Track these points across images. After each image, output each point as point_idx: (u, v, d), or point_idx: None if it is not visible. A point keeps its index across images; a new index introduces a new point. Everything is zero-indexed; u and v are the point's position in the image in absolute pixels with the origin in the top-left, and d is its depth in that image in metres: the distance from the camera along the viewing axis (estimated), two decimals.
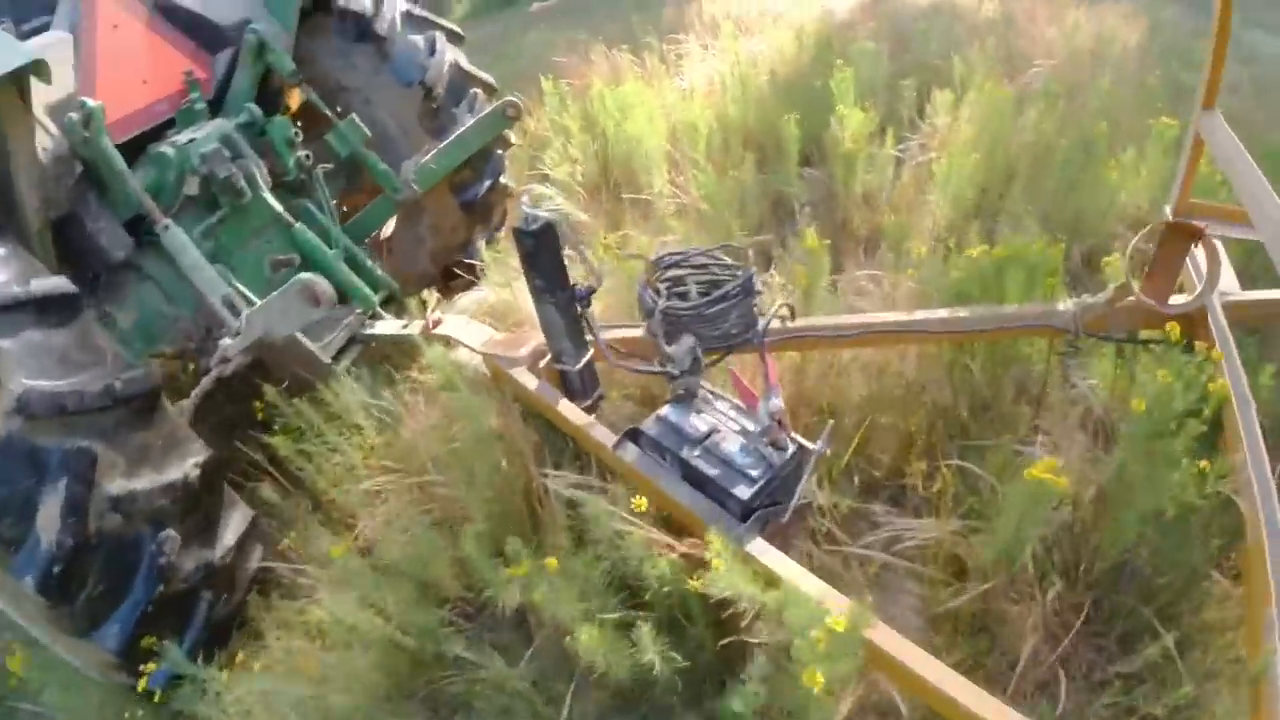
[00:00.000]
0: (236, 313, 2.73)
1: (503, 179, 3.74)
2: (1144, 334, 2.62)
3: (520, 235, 2.03)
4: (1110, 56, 4.47)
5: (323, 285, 2.51)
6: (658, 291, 2.34)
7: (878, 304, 3.43)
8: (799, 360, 2.83)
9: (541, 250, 2.05)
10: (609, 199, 4.32)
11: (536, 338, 2.59)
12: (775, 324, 2.51)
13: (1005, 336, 2.58)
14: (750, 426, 1.99)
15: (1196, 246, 2.36)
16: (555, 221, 2.00)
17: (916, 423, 2.71)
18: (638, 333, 2.57)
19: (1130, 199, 3.39)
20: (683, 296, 2.41)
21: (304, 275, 2.54)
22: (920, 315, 2.54)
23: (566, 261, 2.20)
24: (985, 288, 2.55)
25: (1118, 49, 4.57)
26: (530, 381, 2.50)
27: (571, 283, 2.20)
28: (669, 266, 2.42)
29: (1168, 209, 2.82)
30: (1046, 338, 2.62)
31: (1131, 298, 2.42)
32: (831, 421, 1.92)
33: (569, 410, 2.36)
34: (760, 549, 1.87)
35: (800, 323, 2.56)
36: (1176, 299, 2.49)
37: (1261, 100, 4.02)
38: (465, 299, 3.42)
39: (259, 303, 2.66)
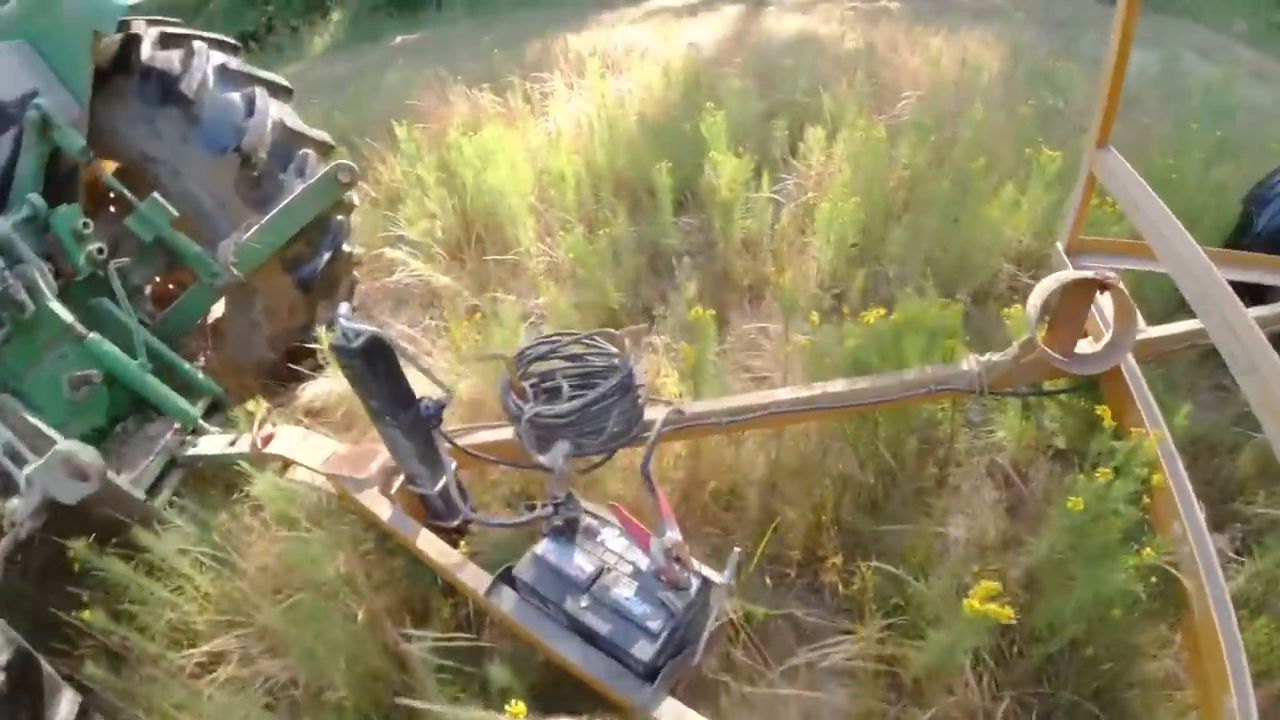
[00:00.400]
0: (21, 463, 2.21)
1: (346, 247, 3.28)
2: (1049, 385, 2.51)
3: (341, 355, 1.63)
4: (977, 85, 4.48)
5: (86, 458, 2.09)
6: (523, 394, 1.99)
7: (769, 362, 3.23)
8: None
9: (371, 368, 1.66)
10: (473, 259, 3.92)
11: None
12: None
13: (910, 403, 2.38)
14: (643, 564, 1.66)
15: (1102, 294, 2.24)
16: (381, 334, 1.61)
17: (824, 499, 2.48)
18: (508, 434, 2.21)
19: (1013, 233, 3.32)
20: (554, 393, 2.07)
21: (62, 447, 2.10)
22: (819, 389, 2.30)
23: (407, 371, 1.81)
24: (884, 354, 2.35)
25: (984, 77, 4.59)
26: (383, 508, 2.08)
27: (418, 397, 1.81)
28: (536, 359, 2.08)
29: (1059, 245, 2.73)
30: (950, 399, 2.45)
31: (1037, 352, 2.28)
32: (738, 549, 1.62)
33: (431, 545, 1.96)
34: (673, 716, 1.54)
35: (692, 410, 2.27)
36: (1082, 346, 2.37)
37: (1127, 117, 4.06)
38: (307, 393, 2.94)
39: (39, 460, 2.16)
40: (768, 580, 2.30)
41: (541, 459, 1.92)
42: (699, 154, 3.79)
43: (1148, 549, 1.69)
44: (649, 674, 1.57)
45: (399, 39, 10.37)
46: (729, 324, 3.47)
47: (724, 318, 3.44)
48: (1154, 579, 1.76)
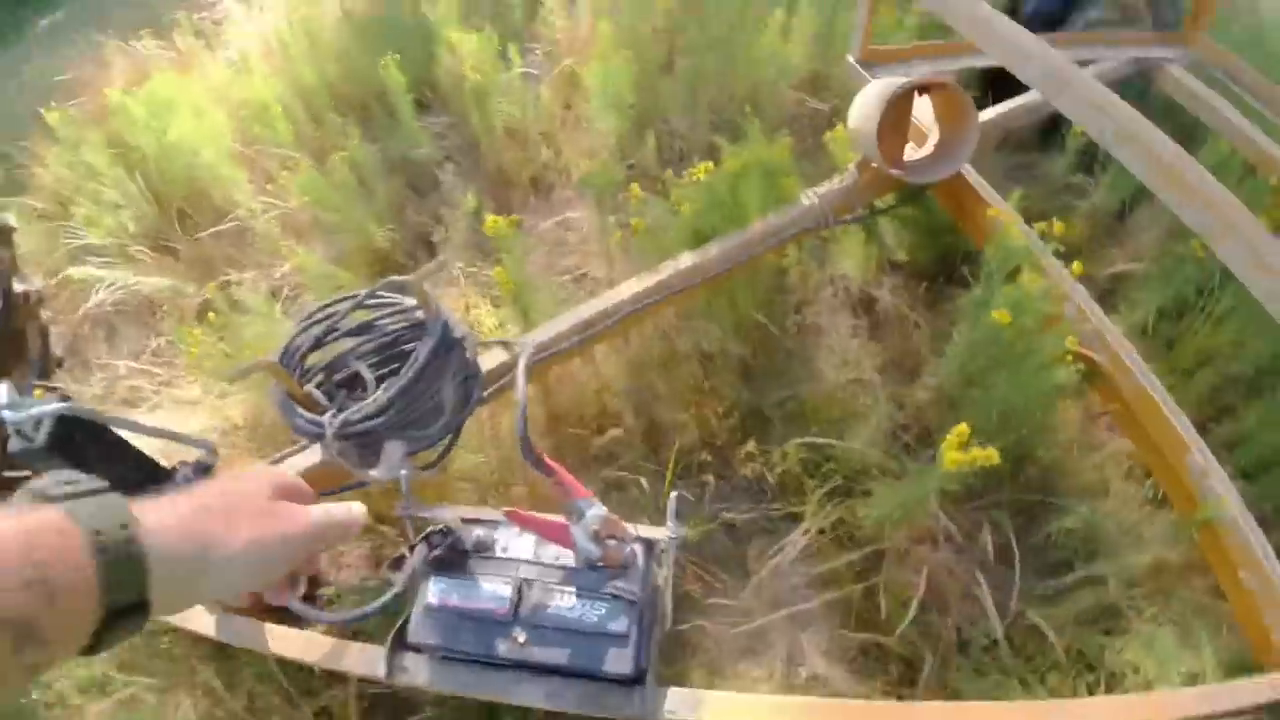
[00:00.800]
0: None
1: (19, 286, 2.38)
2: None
3: (29, 461, 1.02)
4: None
5: None
6: (311, 403, 1.48)
7: (582, 258, 2.86)
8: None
9: (79, 460, 1.07)
10: (184, 242, 3.07)
11: None
12: (505, 356, 1.82)
13: (762, 257, 2.14)
14: (566, 558, 1.28)
15: (920, 95, 2.08)
16: (70, 410, 1.02)
17: (706, 388, 2.22)
18: (318, 456, 1.68)
19: (794, 60, 3.09)
20: (355, 384, 1.57)
21: None
22: (668, 271, 1.98)
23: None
24: (724, 211, 2.05)
25: None
26: (203, 619, 1.49)
27: (169, 467, 1.24)
28: (311, 348, 1.54)
29: (851, 59, 2.54)
30: (796, 241, 2.24)
31: (875, 170, 2.10)
32: (675, 494, 1.29)
33: (287, 644, 1.44)
34: (688, 707, 1.25)
35: (538, 340, 1.86)
36: (910, 154, 2.23)
37: None
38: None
39: None
40: (688, 495, 2.02)
41: (374, 474, 1.45)
42: (428, 42, 3.17)
43: (1069, 336, 1.58)
44: (636, 678, 1.24)
45: (42, 22, 8.07)
46: (523, 227, 3.03)
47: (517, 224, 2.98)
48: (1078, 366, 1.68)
